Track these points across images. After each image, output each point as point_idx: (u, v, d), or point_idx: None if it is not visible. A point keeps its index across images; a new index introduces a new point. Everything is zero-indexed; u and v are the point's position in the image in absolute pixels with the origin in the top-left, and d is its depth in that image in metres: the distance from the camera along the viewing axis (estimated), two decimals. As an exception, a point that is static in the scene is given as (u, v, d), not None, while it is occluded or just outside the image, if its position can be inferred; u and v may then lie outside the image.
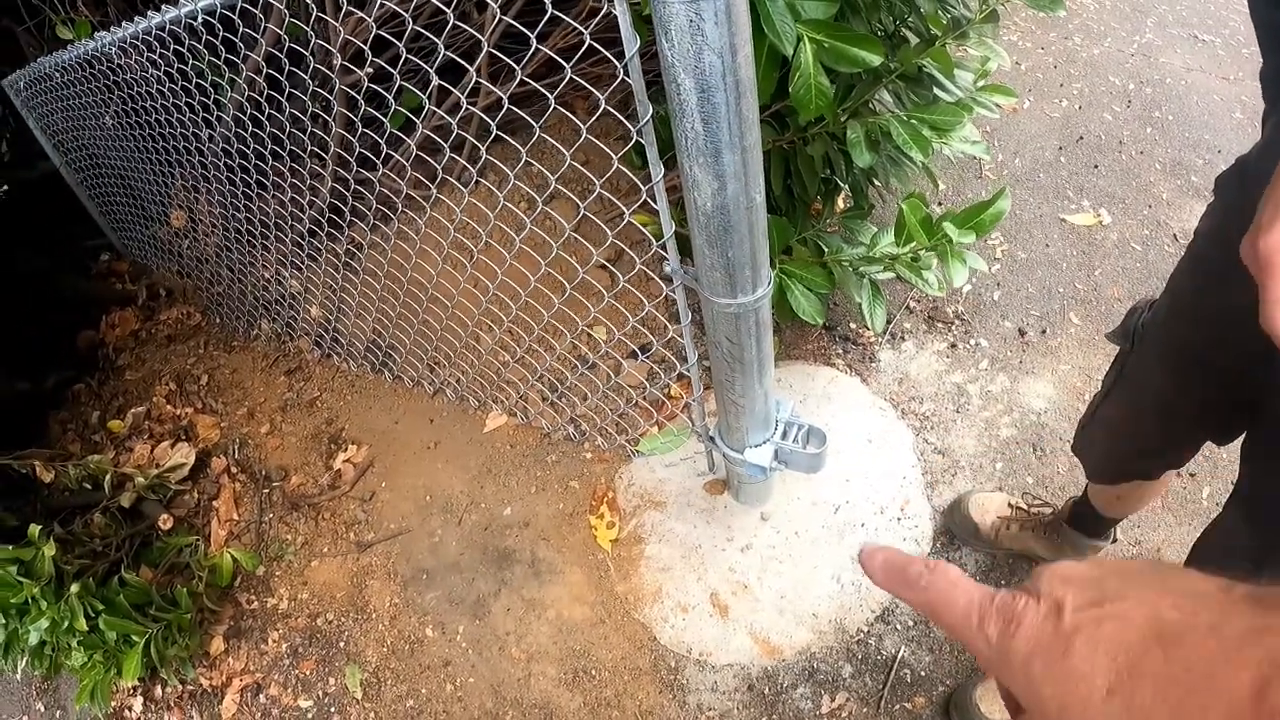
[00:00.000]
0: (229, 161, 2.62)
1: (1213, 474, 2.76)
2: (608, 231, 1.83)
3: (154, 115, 2.65)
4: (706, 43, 1.19)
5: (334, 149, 2.55)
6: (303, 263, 2.98)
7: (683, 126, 1.32)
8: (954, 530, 2.52)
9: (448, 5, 1.65)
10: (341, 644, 2.46)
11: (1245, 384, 1.37)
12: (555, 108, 1.62)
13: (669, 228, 1.59)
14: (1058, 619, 0.45)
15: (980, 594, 0.49)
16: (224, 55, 2.13)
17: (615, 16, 1.27)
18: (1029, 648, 0.45)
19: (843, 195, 2.75)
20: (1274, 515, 1.39)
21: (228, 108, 2.61)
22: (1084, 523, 2.28)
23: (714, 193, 1.39)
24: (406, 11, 1.77)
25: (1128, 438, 1.77)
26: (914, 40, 2.24)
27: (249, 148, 2.47)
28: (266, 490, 2.81)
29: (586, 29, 1.52)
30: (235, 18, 1.99)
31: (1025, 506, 2.46)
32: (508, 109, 1.74)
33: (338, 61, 2.13)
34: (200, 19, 2.05)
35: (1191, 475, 2.74)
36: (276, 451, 2.92)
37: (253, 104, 2.55)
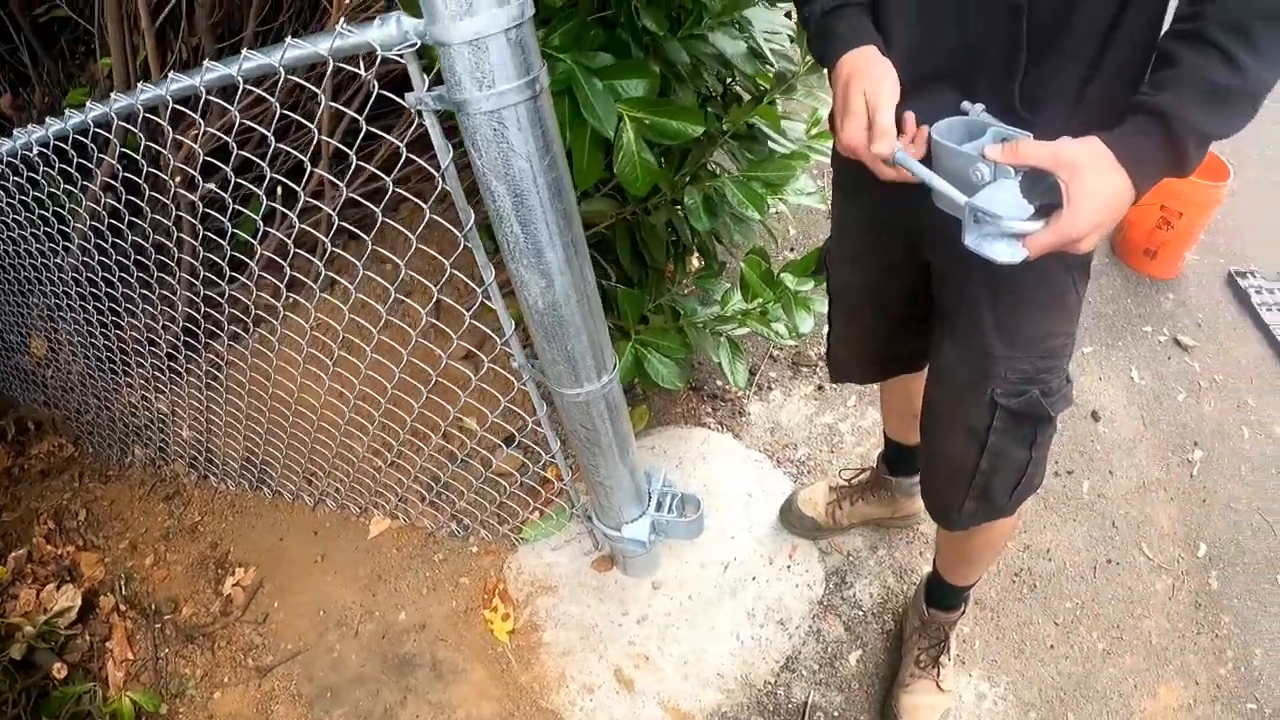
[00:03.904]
0: (79, 290, 2.58)
1: (1090, 468, 2.84)
2: (466, 317, 1.82)
3: (3, 245, 2.60)
4: (513, 150, 1.21)
5: (180, 273, 2.52)
6: (167, 384, 2.93)
7: (503, 230, 1.33)
8: (795, 531, 2.59)
9: (271, 126, 1.64)
10: (253, 776, 2.40)
11: (908, 261, 1.64)
12: (383, 220, 1.61)
13: (509, 325, 1.60)
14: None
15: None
16: (64, 187, 2.12)
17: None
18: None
19: (695, 255, 2.79)
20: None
21: (73, 238, 2.57)
22: (897, 463, 2.43)
23: (543, 290, 1.40)
24: (230, 136, 1.76)
25: (860, 333, 1.94)
26: (747, 97, 2.28)
27: (98, 275, 2.44)
28: (159, 624, 2.73)
29: (408, 136, 1.54)
30: (69, 148, 1.98)
31: (846, 481, 2.58)
32: (359, 205, 1.72)
33: (172, 187, 2.11)
34: (36, 150, 2.03)
35: (1069, 473, 2.82)
36: (164, 583, 2.84)
37: (96, 233, 2.51)
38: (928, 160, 1.21)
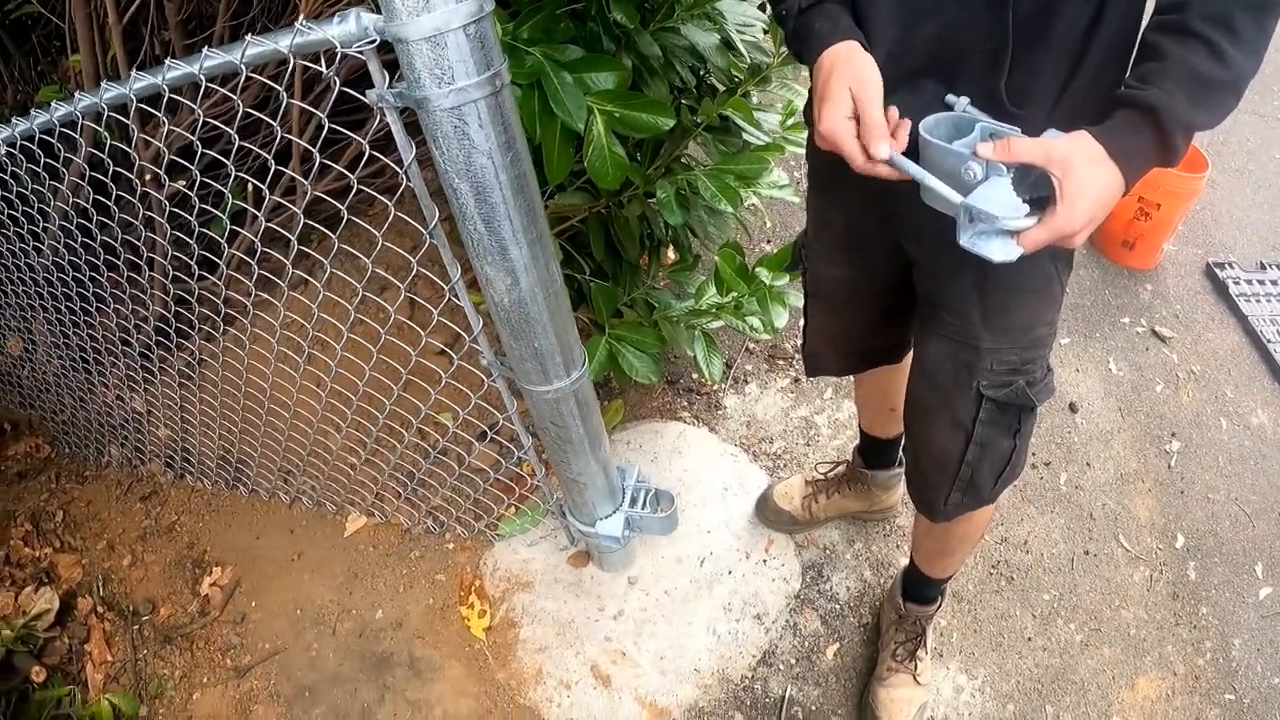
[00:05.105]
0: (52, 290, 2.56)
1: (1067, 460, 2.84)
2: (434, 314, 1.81)
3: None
4: (474, 146, 1.20)
5: (151, 273, 2.50)
6: (141, 383, 2.91)
7: (466, 229, 1.32)
8: (771, 525, 2.60)
9: (235, 125, 1.63)
10: (231, 776, 2.39)
11: (889, 255, 1.63)
12: (350, 219, 1.60)
13: (477, 323, 1.59)
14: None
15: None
16: (32, 187, 2.10)
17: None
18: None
19: (670, 248, 2.78)
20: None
21: (44, 238, 2.55)
22: (874, 457, 2.44)
23: (508, 288, 1.39)
24: (195, 135, 1.74)
25: (839, 327, 1.93)
26: (722, 89, 2.27)
27: (69, 275, 2.43)
28: (136, 626, 2.71)
29: (372, 133, 1.52)
30: (35, 149, 1.96)
31: (822, 475, 2.59)
32: (330, 203, 1.70)
33: (139, 186, 2.10)
34: (3, 150, 2.02)
35: (1047, 464, 2.83)
36: (142, 584, 2.82)
37: (66, 233, 2.49)
38: (914, 155, 1.19)
